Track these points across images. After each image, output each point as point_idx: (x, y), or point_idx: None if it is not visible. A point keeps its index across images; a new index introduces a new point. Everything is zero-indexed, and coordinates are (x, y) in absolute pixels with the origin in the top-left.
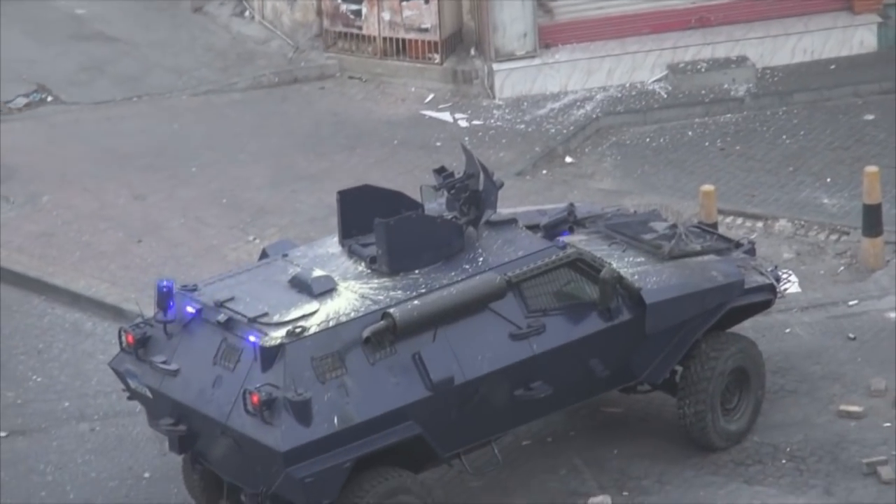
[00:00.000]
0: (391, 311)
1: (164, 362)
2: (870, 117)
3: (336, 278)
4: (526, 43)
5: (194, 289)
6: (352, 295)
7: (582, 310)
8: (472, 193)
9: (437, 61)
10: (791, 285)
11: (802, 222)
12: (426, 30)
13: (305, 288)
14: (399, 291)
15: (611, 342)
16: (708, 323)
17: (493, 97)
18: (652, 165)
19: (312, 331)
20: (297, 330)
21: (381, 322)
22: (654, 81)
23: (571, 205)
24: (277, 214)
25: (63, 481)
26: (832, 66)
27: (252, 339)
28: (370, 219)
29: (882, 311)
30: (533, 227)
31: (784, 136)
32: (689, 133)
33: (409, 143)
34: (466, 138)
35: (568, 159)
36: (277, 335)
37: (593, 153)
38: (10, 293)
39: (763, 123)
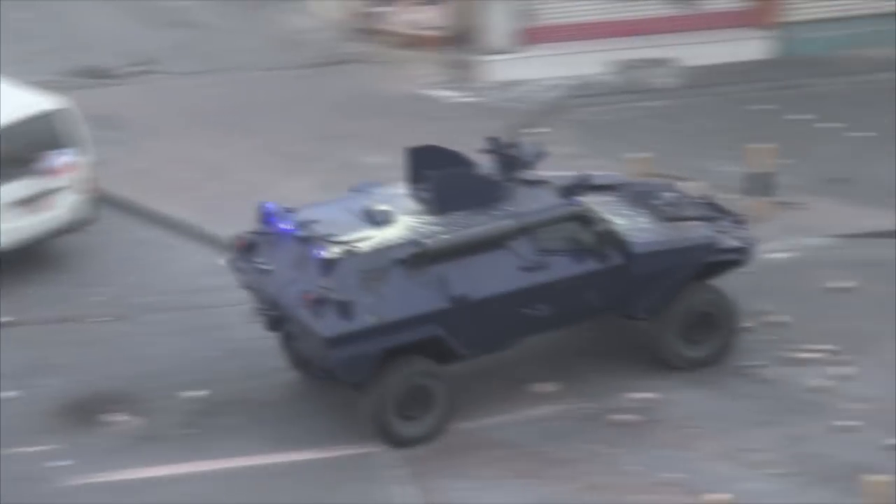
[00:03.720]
0: (425, 241)
1: (262, 263)
2: (766, 107)
3: (397, 213)
4: (510, 41)
5: (292, 210)
6: (404, 227)
7: (582, 253)
8: (510, 159)
9: (442, 52)
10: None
11: (710, 183)
12: (436, 28)
13: (370, 218)
14: (439, 227)
15: (604, 280)
16: (687, 272)
17: (484, 81)
18: (602, 136)
19: (363, 250)
20: (352, 248)
21: (415, 249)
22: (605, 74)
23: (586, 174)
24: (317, 162)
25: (146, 356)
26: (739, 68)
27: (318, 252)
28: (433, 170)
29: (765, 253)
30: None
31: (699, 118)
32: (630, 114)
33: (418, 112)
34: (462, 111)
35: (537, 130)
36: (336, 250)
37: (556, 126)
38: (114, 214)
39: (684, 108)
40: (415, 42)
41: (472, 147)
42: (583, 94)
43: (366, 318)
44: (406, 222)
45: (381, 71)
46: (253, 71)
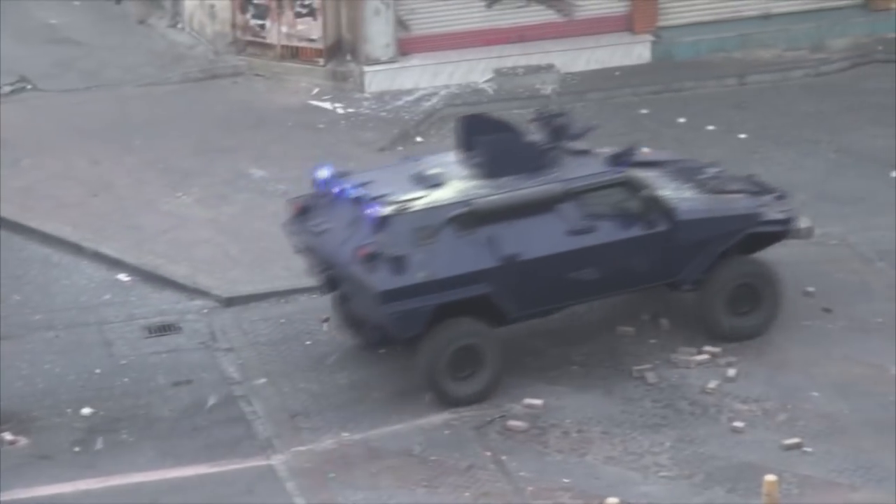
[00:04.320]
0: (474, 201)
1: (316, 225)
2: (644, 111)
3: (447, 176)
4: (388, 51)
5: (345, 174)
6: (453, 189)
7: (628, 218)
8: (556, 127)
9: (321, 64)
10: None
11: None
12: (314, 40)
13: (421, 181)
14: (487, 189)
15: (649, 246)
16: (729, 242)
17: (363, 91)
18: None
19: (414, 208)
20: (403, 207)
21: (465, 208)
22: (484, 82)
23: (633, 146)
24: (199, 176)
25: (34, 374)
26: (617, 73)
27: (370, 211)
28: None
29: None
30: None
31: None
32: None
33: (299, 124)
34: (343, 122)
35: (418, 139)
36: (388, 209)
37: (437, 135)
38: None
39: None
40: (294, 54)
41: (354, 158)
42: (464, 102)
43: (418, 274)
44: (456, 185)
45: (262, 84)
46: (133, 87)
